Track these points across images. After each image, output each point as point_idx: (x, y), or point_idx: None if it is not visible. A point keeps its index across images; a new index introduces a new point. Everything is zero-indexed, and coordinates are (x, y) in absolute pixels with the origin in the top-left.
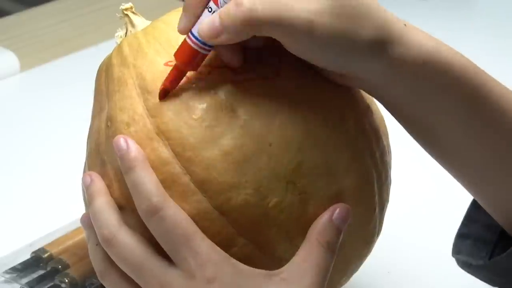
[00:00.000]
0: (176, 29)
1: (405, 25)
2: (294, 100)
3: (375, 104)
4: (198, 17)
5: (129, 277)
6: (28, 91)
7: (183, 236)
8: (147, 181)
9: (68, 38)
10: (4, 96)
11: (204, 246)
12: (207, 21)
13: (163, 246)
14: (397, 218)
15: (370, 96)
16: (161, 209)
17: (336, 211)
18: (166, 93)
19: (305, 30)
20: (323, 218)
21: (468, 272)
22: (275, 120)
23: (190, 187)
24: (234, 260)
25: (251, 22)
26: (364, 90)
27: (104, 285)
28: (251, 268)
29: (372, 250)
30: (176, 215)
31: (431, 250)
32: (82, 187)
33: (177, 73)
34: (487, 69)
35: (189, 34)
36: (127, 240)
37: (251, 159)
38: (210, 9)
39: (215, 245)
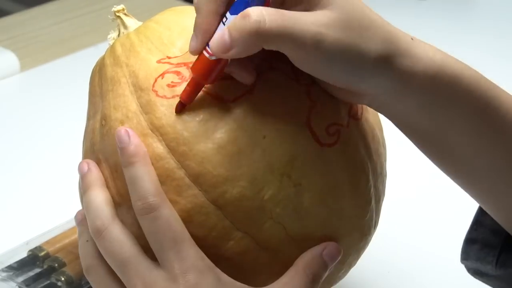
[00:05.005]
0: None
1: (412, 38)
2: (289, 92)
3: None
4: (208, 34)
5: (114, 274)
6: (28, 91)
7: (172, 240)
8: (146, 179)
9: (67, 38)
10: (4, 96)
11: (191, 252)
12: (217, 36)
13: (151, 245)
14: (397, 217)
15: None
16: (156, 209)
17: (327, 248)
18: (183, 107)
19: (313, 42)
20: (314, 251)
21: (480, 280)
22: (269, 112)
23: (185, 181)
24: (218, 270)
25: (259, 34)
26: (370, 107)
27: (89, 280)
28: (234, 281)
29: (373, 249)
30: (170, 217)
31: (431, 250)
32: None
33: (194, 87)
34: (487, 70)
35: (206, 46)
36: (118, 234)
37: (245, 152)
38: (225, 20)
39: (202, 252)
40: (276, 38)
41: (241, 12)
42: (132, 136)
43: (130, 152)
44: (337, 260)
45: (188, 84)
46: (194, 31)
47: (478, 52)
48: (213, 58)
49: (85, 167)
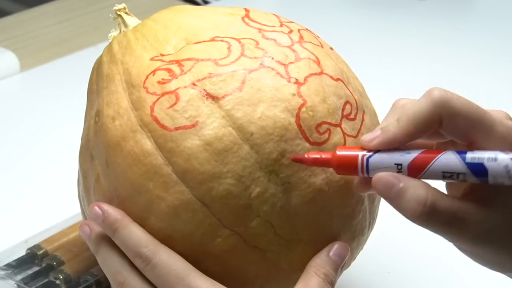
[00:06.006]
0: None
1: None
2: (279, 89)
3: (368, 99)
4: (388, 143)
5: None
6: (28, 91)
7: (177, 277)
8: (133, 236)
9: (67, 38)
10: (4, 96)
11: (200, 282)
12: (387, 179)
13: None
14: (397, 217)
15: (361, 90)
16: (153, 257)
17: (333, 247)
18: (300, 162)
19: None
20: (320, 253)
21: None
22: (257, 110)
23: (172, 178)
24: None
25: (427, 218)
26: None
27: None
28: None
29: (373, 249)
30: (168, 258)
31: (431, 250)
32: (83, 235)
33: (324, 164)
34: (487, 70)
35: (365, 157)
36: (137, 284)
37: (232, 149)
38: (400, 167)
39: (211, 279)
40: (441, 226)
41: (420, 200)
42: (104, 207)
43: (109, 223)
44: (345, 258)
45: (320, 155)
46: (381, 129)
47: (478, 52)
48: (359, 171)
49: (87, 229)
